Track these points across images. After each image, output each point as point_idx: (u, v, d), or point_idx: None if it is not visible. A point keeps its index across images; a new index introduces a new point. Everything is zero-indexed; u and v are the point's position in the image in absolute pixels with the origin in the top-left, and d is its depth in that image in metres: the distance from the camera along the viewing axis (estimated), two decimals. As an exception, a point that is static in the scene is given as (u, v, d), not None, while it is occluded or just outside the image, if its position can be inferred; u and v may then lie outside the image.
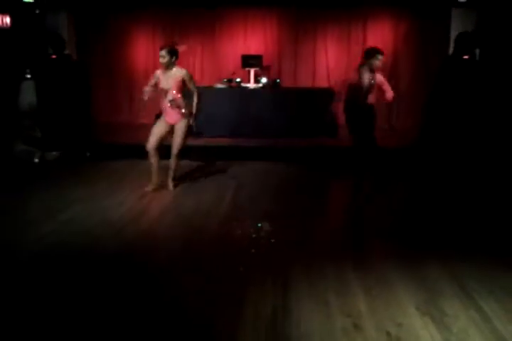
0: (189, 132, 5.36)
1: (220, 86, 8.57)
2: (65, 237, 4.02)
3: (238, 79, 8.60)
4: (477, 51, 7.93)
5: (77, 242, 3.92)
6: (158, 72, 5.24)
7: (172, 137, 5.34)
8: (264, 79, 8.63)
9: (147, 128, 5.59)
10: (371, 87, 5.76)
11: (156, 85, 5.24)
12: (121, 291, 3.09)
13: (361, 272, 3.35)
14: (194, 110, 5.28)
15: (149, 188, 5.44)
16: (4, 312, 2.81)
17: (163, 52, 5.09)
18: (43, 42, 7.72)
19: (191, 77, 5.24)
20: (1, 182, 5.88)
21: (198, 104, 5.28)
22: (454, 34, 8.50)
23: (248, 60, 8.90)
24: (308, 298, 2.98)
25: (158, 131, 5.30)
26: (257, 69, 8.94)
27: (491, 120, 7.02)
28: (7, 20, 7.51)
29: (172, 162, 5.44)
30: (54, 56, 7.47)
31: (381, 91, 5.86)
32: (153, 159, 5.38)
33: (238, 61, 9.10)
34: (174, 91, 5.15)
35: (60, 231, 4.15)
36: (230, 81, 8.61)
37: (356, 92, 5.75)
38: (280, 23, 9.85)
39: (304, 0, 8.90)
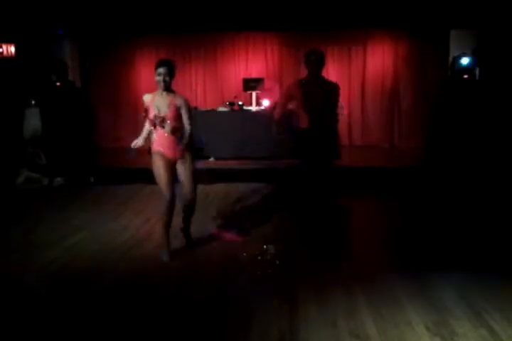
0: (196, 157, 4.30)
1: (222, 109, 8.64)
2: (70, 262, 4.04)
3: (240, 103, 8.67)
4: (476, 71, 8.03)
5: (83, 267, 3.92)
6: (148, 97, 4.05)
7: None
8: (266, 102, 8.69)
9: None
10: None
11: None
12: (130, 313, 3.07)
13: (370, 293, 3.31)
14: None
15: None
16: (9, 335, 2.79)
17: (164, 69, 3.94)
18: (47, 69, 7.83)
19: (190, 108, 4.12)
20: (8, 209, 5.89)
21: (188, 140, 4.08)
22: (453, 54, 8.62)
23: (249, 83, 8.98)
24: (317, 319, 2.94)
25: (165, 174, 4.01)
26: (259, 92, 9.03)
27: (493, 136, 7.05)
28: (12, 49, 7.65)
29: (186, 213, 4.33)
30: (58, 83, 7.57)
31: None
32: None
33: (240, 84, 9.20)
34: (169, 121, 3.97)
35: (66, 256, 4.16)
36: (232, 104, 8.68)
37: None
38: (281, 46, 9.99)
39: (304, 23, 9.02)
